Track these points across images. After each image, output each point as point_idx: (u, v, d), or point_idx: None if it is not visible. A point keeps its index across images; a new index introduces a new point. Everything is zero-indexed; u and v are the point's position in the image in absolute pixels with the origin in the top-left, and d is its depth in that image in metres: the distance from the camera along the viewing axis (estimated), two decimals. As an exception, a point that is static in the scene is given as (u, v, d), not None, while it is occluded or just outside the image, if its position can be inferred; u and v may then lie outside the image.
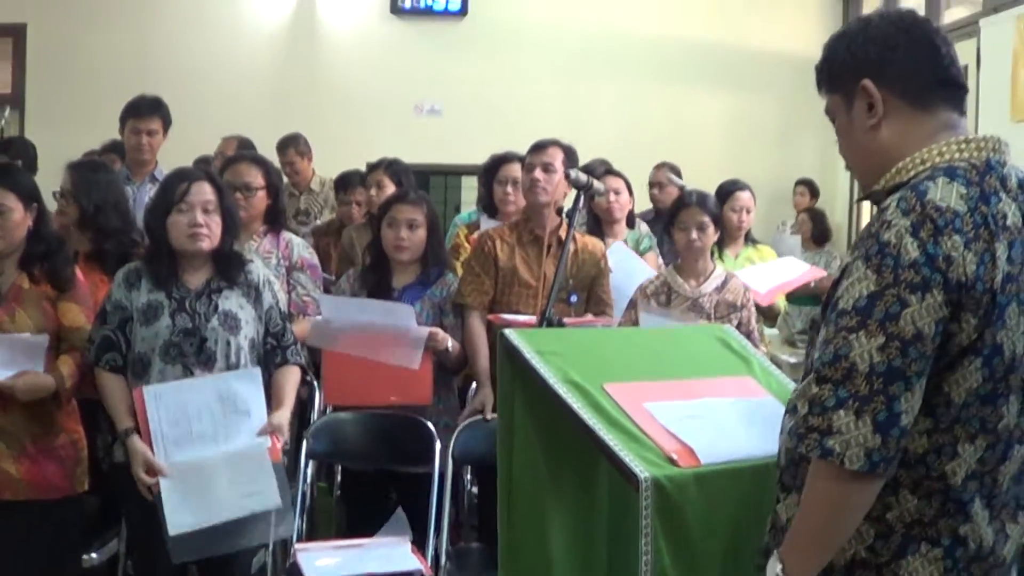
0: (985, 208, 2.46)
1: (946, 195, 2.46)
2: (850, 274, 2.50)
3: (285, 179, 9.62)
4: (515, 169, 6.83)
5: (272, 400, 4.86)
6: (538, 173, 5.71)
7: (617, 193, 7.16)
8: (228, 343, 4.74)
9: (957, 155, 2.58)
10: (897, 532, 2.54)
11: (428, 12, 13.02)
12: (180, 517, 4.57)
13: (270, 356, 4.90)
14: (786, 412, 2.68)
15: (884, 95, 2.66)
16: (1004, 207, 2.50)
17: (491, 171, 7.11)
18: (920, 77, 2.65)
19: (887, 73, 2.66)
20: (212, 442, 4.66)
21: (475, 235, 6.75)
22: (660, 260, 7.24)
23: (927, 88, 2.66)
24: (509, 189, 6.87)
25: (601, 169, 7.86)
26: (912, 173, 2.59)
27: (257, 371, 4.78)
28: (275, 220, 5.92)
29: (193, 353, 4.70)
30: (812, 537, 2.55)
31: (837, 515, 2.50)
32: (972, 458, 2.51)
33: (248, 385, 4.74)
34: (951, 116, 2.67)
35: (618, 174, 7.40)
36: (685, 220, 5.92)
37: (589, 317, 5.58)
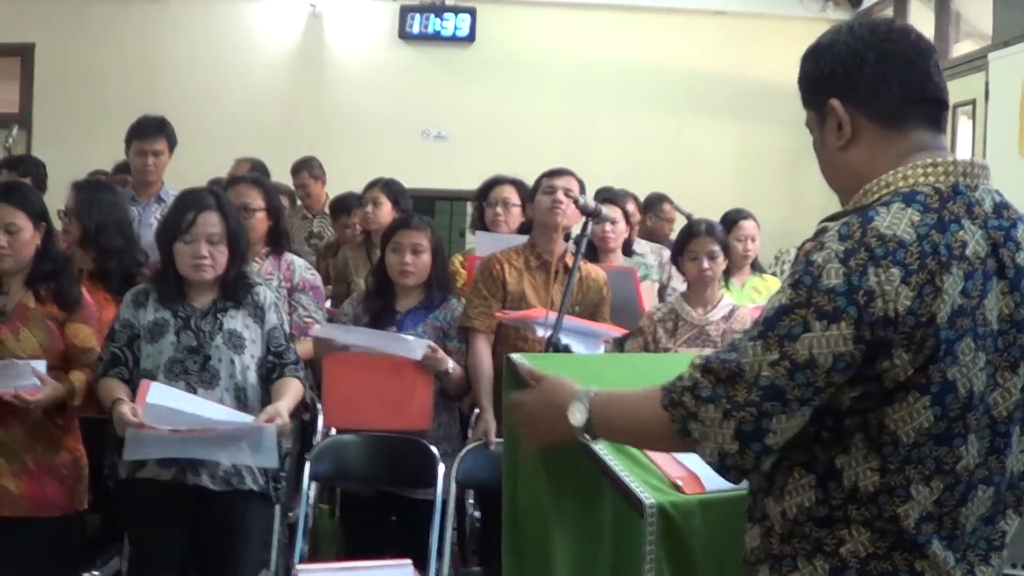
0: (938, 237, 2.35)
1: (895, 222, 2.36)
2: (778, 289, 2.47)
3: (299, 202, 9.68)
4: (505, 191, 6.93)
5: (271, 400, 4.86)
6: (560, 196, 5.74)
7: (614, 223, 7.16)
8: (232, 361, 4.76)
9: (922, 179, 2.46)
10: (852, 568, 2.47)
11: (436, 38, 13.06)
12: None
13: (270, 372, 4.91)
14: None
15: (852, 115, 2.56)
16: (964, 235, 2.38)
17: (483, 194, 7.19)
18: (890, 96, 2.54)
19: (855, 92, 2.56)
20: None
21: (466, 258, 6.82)
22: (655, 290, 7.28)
23: (898, 106, 2.53)
24: (499, 210, 6.95)
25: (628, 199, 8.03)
26: (876, 197, 2.49)
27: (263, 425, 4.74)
28: (277, 242, 5.92)
29: (197, 371, 4.72)
30: (623, 430, 2.74)
31: (652, 444, 2.71)
32: (927, 500, 2.42)
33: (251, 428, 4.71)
34: (925, 135, 2.55)
35: (616, 203, 7.41)
36: (696, 250, 5.94)
37: (523, 312, 5.58)
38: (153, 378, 4.70)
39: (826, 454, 2.46)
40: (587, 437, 2.76)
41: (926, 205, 2.40)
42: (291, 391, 4.90)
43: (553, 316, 5.23)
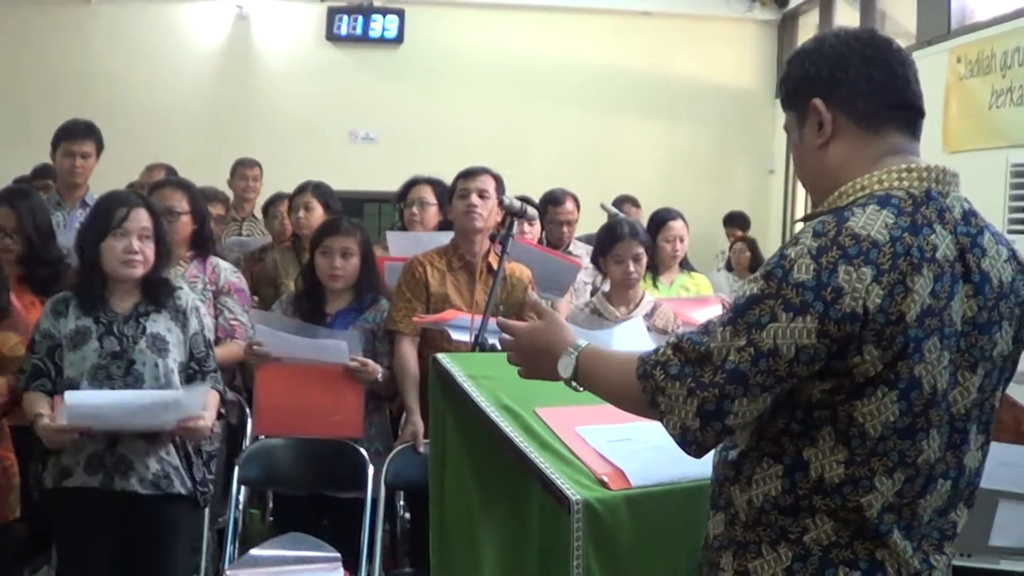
0: (911, 239, 2.43)
1: (870, 223, 2.44)
2: (750, 278, 2.54)
3: (231, 198, 9.61)
4: (423, 191, 6.96)
5: None
6: (474, 199, 5.71)
7: (530, 223, 7.17)
8: (156, 365, 4.72)
9: (897, 183, 2.54)
10: (815, 555, 2.54)
11: (364, 39, 13.05)
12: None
13: (191, 379, 4.87)
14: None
15: (833, 115, 2.64)
16: (935, 239, 2.46)
17: (402, 195, 7.24)
18: (871, 98, 2.62)
19: (837, 93, 2.63)
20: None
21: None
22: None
23: (877, 110, 2.62)
24: (415, 210, 6.99)
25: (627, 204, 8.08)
26: (851, 199, 2.56)
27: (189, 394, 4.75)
28: (201, 245, 5.88)
29: (121, 375, 4.68)
30: (602, 389, 2.81)
31: (625, 407, 2.73)
32: (889, 492, 2.51)
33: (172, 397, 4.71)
34: (901, 140, 2.63)
35: (532, 203, 7.43)
36: (621, 253, 5.98)
37: (438, 315, 5.57)
38: (77, 386, 4.64)
39: (794, 446, 2.54)
40: (574, 385, 2.85)
41: (900, 208, 2.48)
42: (211, 401, 4.88)
43: (467, 317, 5.28)
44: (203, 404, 4.73)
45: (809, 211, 2.76)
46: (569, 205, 8.21)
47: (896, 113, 2.64)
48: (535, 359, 2.97)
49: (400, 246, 6.57)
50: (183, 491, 4.80)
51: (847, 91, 2.63)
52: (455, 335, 5.32)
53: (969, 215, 2.59)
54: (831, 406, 2.48)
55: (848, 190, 2.59)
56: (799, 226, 2.59)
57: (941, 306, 2.45)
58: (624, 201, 9.81)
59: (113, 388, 4.67)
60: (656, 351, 2.58)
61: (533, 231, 7.30)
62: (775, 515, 2.57)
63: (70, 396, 4.55)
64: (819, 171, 2.72)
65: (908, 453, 2.50)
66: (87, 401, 4.55)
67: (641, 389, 2.56)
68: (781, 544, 2.57)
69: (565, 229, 8.03)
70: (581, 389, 2.86)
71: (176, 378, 4.77)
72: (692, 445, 2.53)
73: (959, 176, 2.64)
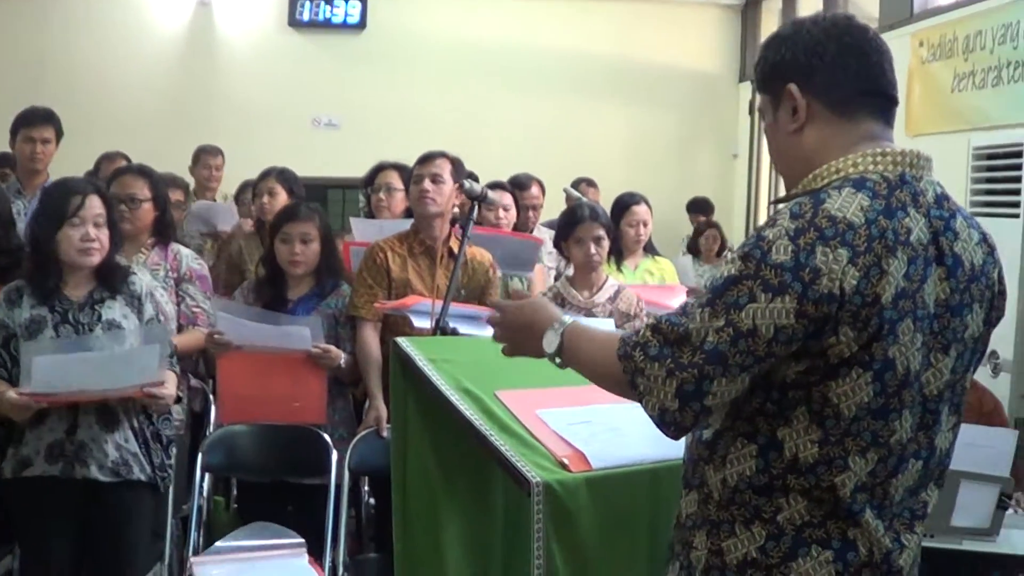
0: (885, 222, 2.45)
1: (845, 206, 2.46)
2: (727, 259, 2.56)
3: (192, 184, 9.57)
4: (390, 176, 6.94)
5: None
6: (427, 184, 5.69)
7: (505, 210, 7.19)
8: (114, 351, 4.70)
9: (871, 167, 2.57)
10: (788, 534, 2.56)
11: (326, 25, 13.01)
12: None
13: (155, 344, 4.84)
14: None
15: (808, 100, 2.66)
16: (909, 222, 2.49)
17: (369, 180, 7.23)
18: (846, 85, 2.65)
19: (813, 79, 2.65)
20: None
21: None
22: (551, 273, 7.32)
23: (852, 97, 2.64)
24: (383, 196, 6.98)
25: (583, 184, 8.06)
26: (825, 181, 2.59)
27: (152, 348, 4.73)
28: (163, 232, 5.84)
29: None
30: (585, 366, 2.79)
31: (606, 386, 2.71)
32: (863, 471, 2.53)
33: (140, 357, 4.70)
34: (875, 126, 2.65)
35: (506, 188, 7.43)
36: (582, 235, 5.97)
37: (399, 301, 5.55)
38: (31, 377, 4.62)
39: (768, 426, 2.56)
40: (557, 361, 2.84)
41: (875, 192, 2.51)
42: (170, 381, 4.84)
43: (428, 303, 5.28)
44: (159, 362, 4.68)
45: (777, 195, 2.77)
46: (535, 190, 8.22)
47: (871, 100, 2.67)
48: (520, 335, 2.97)
49: (364, 232, 6.56)
50: (143, 477, 4.78)
51: (823, 78, 2.65)
52: (416, 321, 5.31)
53: (942, 199, 2.62)
54: (806, 386, 2.50)
55: (823, 172, 2.61)
56: (771, 210, 2.60)
57: (914, 288, 2.48)
58: (581, 182, 9.83)
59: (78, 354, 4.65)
60: (636, 332, 2.58)
61: (508, 217, 7.28)
62: (749, 494, 2.59)
63: (37, 359, 4.54)
64: (792, 155, 2.74)
65: (881, 433, 2.52)
66: (53, 362, 4.54)
67: (621, 370, 2.57)
68: (755, 523, 2.59)
69: (531, 214, 8.03)
70: (562, 366, 2.86)
71: None
72: (671, 426, 2.54)
73: (932, 160, 2.66)
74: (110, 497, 4.73)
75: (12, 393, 4.53)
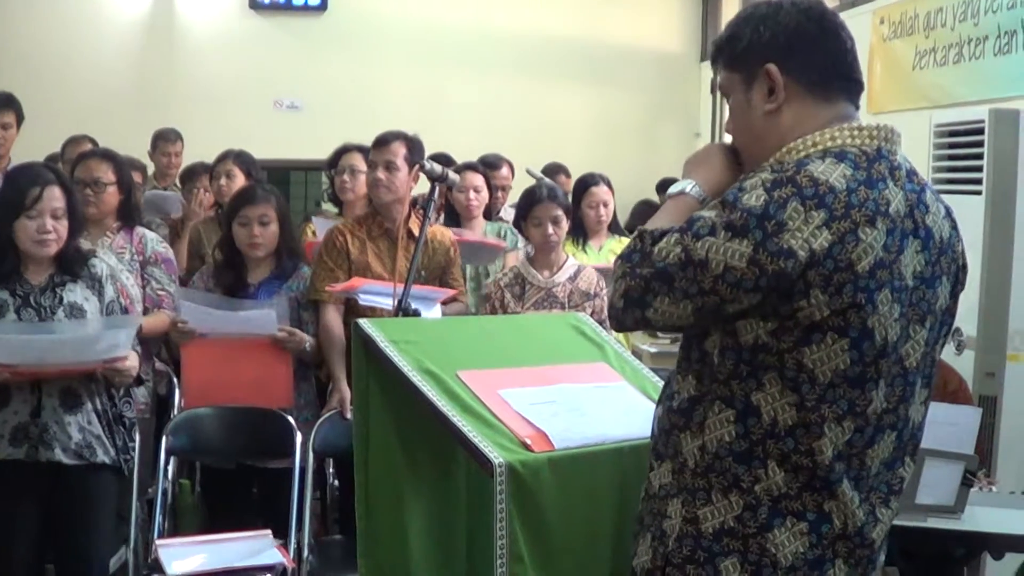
0: (867, 192, 2.49)
1: (829, 171, 2.50)
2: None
3: (151, 170, 9.54)
4: (354, 158, 6.93)
5: None
6: (380, 172, 5.68)
7: (477, 191, 7.19)
8: None
9: (849, 140, 2.61)
10: (764, 505, 2.58)
11: (287, 7, 12.92)
12: None
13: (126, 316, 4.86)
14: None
15: (787, 81, 2.68)
16: (888, 194, 2.53)
17: (333, 162, 7.22)
18: (824, 68, 2.68)
19: (793, 60, 2.68)
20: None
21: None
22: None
23: (829, 79, 2.69)
24: (346, 178, 6.97)
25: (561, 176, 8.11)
26: (803, 154, 2.62)
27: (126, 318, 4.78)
28: (128, 216, 5.83)
29: None
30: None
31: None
32: (840, 439, 2.56)
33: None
34: (847, 108, 2.71)
35: (478, 170, 7.42)
36: (539, 216, 5.98)
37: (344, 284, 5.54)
38: None
39: (742, 390, 2.59)
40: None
41: (856, 163, 2.56)
42: (131, 356, 4.82)
43: (374, 284, 5.34)
44: (129, 340, 4.71)
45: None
46: (504, 170, 8.25)
47: (845, 84, 2.72)
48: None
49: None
50: (106, 460, 4.78)
51: (802, 60, 2.69)
52: (363, 300, 5.31)
53: (911, 173, 2.67)
54: (777, 352, 2.53)
55: (798, 145, 2.65)
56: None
57: (892, 259, 2.51)
58: (556, 171, 9.83)
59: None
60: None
61: (480, 199, 7.27)
62: (729, 461, 2.62)
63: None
64: (765, 134, 2.75)
65: (857, 402, 2.56)
66: (16, 340, 4.55)
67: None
68: (732, 492, 2.62)
69: (500, 194, 8.04)
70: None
71: None
72: (613, 320, 2.73)
73: (901, 136, 2.71)
74: (74, 480, 4.72)
75: None
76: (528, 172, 8.72)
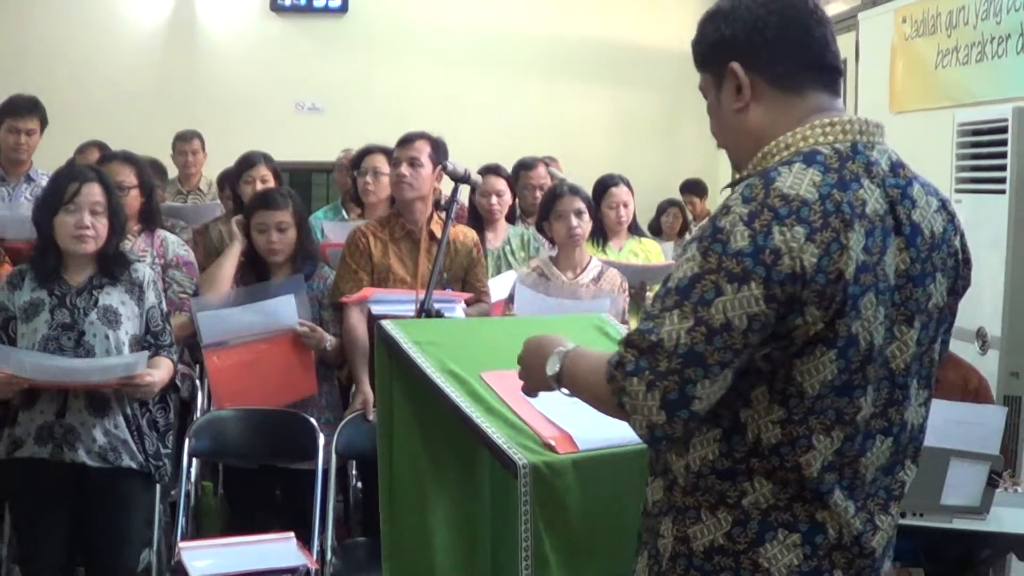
0: (840, 195, 2.40)
1: (797, 182, 2.41)
2: (685, 254, 2.47)
3: (175, 173, 9.56)
4: (376, 160, 6.90)
5: None
6: (404, 168, 5.68)
7: (499, 195, 7.19)
8: (107, 337, 4.73)
9: (821, 139, 2.52)
10: (754, 519, 2.52)
11: (308, 9, 12.97)
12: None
13: (145, 351, 4.85)
14: None
15: (752, 78, 2.60)
16: (864, 194, 2.45)
17: (356, 164, 7.20)
18: (789, 61, 2.59)
19: (756, 56, 2.59)
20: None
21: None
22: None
23: (797, 72, 2.59)
24: (369, 179, 6.94)
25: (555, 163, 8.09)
26: (776, 159, 2.54)
27: (144, 353, 4.76)
28: (149, 219, 5.86)
29: (71, 347, 4.69)
30: (583, 391, 2.70)
31: (605, 411, 2.59)
32: (828, 450, 2.48)
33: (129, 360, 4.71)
34: (823, 98, 2.61)
35: (501, 173, 7.42)
36: (562, 209, 5.96)
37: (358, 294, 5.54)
38: None
39: (729, 408, 2.50)
40: (561, 388, 2.80)
41: (826, 165, 2.46)
42: (163, 367, 4.88)
43: (383, 293, 5.36)
44: (143, 362, 4.71)
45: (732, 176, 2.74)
46: (541, 170, 8.21)
47: (816, 74, 2.61)
48: (532, 363, 2.91)
49: (338, 234, 6.56)
50: (133, 465, 4.80)
51: (765, 55, 2.60)
52: (376, 310, 5.31)
53: (897, 166, 2.59)
54: (768, 370, 2.46)
55: (772, 149, 2.57)
56: (727, 193, 2.56)
57: (874, 261, 2.44)
58: (552, 161, 9.80)
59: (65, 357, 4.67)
60: (615, 352, 2.50)
61: (502, 203, 7.27)
62: (712, 479, 2.55)
63: (22, 353, 4.62)
64: (739, 133, 2.69)
65: (846, 411, 2.48)
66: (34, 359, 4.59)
67: (610, 392, 2.48)
68: (720, 509, 2.55)
69: (538, 194, 8.01)
70: (569, 394, 2.80)
71: (127, 351, 4.77)
72: (662, 440, 2.46)
73: (883, 127, 2.63)
74: (100, 483, 4.75)
75: None
76: (549, 172, 8.72)
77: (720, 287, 2.36)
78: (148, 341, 4.89)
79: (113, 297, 4.80)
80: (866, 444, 2.55)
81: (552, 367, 2.77)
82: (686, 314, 2.37)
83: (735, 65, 2.62)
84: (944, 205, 2.67)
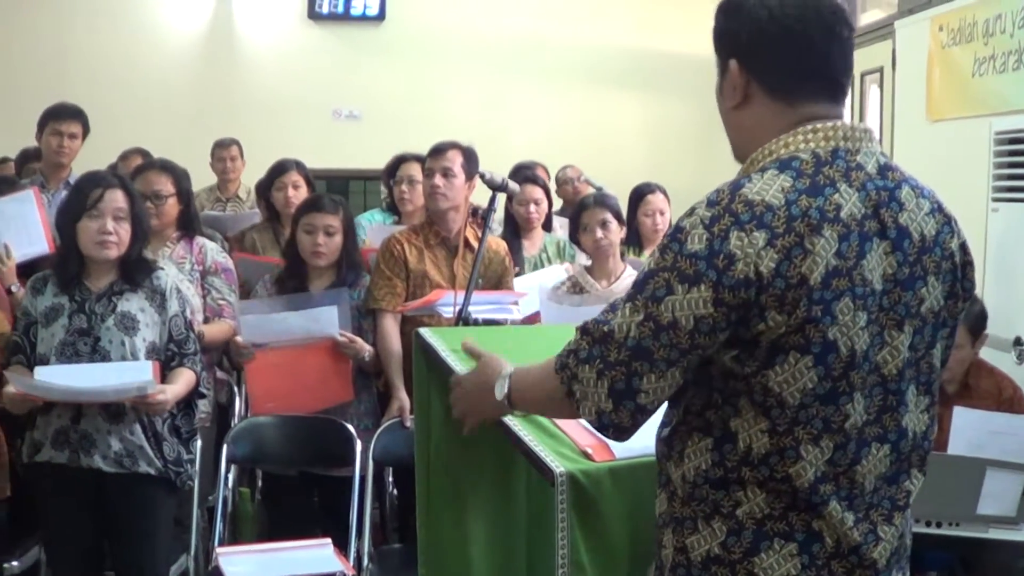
0: (808, 201, 2.41)
1: (765, 188, 2.42)
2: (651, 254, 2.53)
3: (215, 179, 9.61)
4: (411, 168, 6.94)
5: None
6: (437, 179, 5.71)
7: (537, 203, 7.22)
8: (123, 343, 4.74)
9: (802, 145, 2.51)
10: (748, 529, 2.51)
11: (346, 17, 13.00)
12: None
13: (169, 360, 4.88)
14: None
15: (747, 79, 2.60)
16: (838, 199, 2.44)
17: (391, 172, 7.23)
18: (784, 71, 2.58)
19: (753, 59, 2.60)
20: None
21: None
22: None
23: (791, 82, 2.58)
24: (404, 188, 7.00)
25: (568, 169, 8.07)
26: (760, 166, 2.55)
27: (148, 363, 4.75)
28: (188, 226, 5.89)
29: (87, 352, 4.71)
30: (532, 400, 2.81)
31: (554, 411, 2.79)
32: (819, 460, 2.47)
33: (135, 371, 4.71)
34: (817, 108, 2.58)
35: (537, 182, 7.44)
36: (587, 221, 6.00)
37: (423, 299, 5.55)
38: (46, 362, 4.71)
39: (720, 418, 2.52)
40: (510, 410, 2.88)
41: (800, 171, 2.47)
42: (183, 379, 4.86)
43: (451, 295, 5.31)
44: (153, 382, 4.69)
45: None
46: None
47: (812, 84, 2.59)
48: (475, 397, 2.98)
49: (378, 238, 6.59)
50: (151, 471, 4.80)
51: (762, 60, 2.60)
52: (447, 313, 5.32)
53: (885, 169, 2.56)
54: (743, 377, 2.47)
55: (758, 156, 2.58)
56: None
57: (849, 266, 2.42)
58: (566, 167, 9.82)
59: (80, 363, 4.71)
60: (569, 341, 2.57)
61: (540, 211, 7.30)
62: (707, 489, 2.55)
63: (39, 371, 4.65)
64: (732, 128, 2.73)
65: (833, 419, 2.47)
66: (47, 380, 4.62)
67: (559, 381, 2.56)
68: (715, 519, 2.55)
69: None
70: (515, 416, 2.94)
71: (143, 357, 4.78)
72: (609, 428, 2.54)
73: (872, 131, 2.61)
74: (118, 488, 4.78)
75: (11, 387, 4.62)
76: (585, 181, 8.73)
77: (671, 286, 2.41)
78: (171, 350, 4.89)
79: (132, 304, 4.81)
80: (861, 452, 2.52)
81: (500, 391, 2.83)
82: (637, 308, 2.44)
83: (733, 63, 2.63)
84: (939, 208, 2.64)
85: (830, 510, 2.49)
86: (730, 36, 2.65)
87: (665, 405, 2.63)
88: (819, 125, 2.54)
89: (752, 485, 2.51)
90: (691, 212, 2.46)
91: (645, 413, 2.51)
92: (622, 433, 2.55)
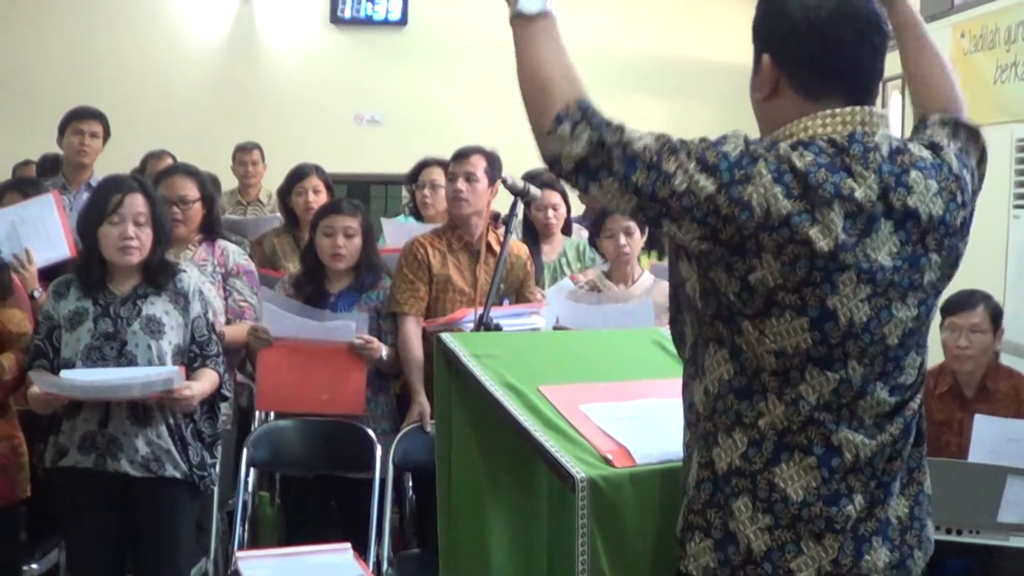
0: (825, 175, 2.49)
1: (794, 153, 2.51)
2: None
3: (237, 183, 9.63)
4: (434, 173, 6.96)
5: None
6: (460, 184, 5.72)
7: (555, 208, 7.20)
8: (149, 347, 4.74)
9: (820, 129, 2.59)
10: (769, 439, 2.58)
11: (368, 22, 13.02)
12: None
13: (192, 362, 4.88)
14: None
15: (778, 75, 2.67)
16: (852, 182, 2.52)
17: (413, 177, 7.25)
18: (812, 68, 2.65)
19: (784, 56, 2.66)
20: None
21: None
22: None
23: (817, 80, 2.65)
24: (427, 192, 7.02)
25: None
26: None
27: (175, 368, 4.74)
28: (210, 229, 5.91)
29: (114, 356, 4.72)
30: (530, 65, 3.01)
31: (523, 84, 2.94)
32: (824, 387, 2.56)
33: (164, 376, 4.71)
34: (838, 104, 2.64)
35: (555, 187, 7.43)
36: (611, 228, 6.01)
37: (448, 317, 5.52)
38: (72, 366, 4.71)
39: (728, 331, 2.61)
40: (518, 19, 3.01)
41: (821, 150, 2.54)
42: (207, 378, 4.87)
43: (473, 313, 5.26)
44: (179, 378, 4.70)
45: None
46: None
47: (839, 84, 2.65)
48: None
49: (397, 237, 6.59)
50: (177, 475, 4.81)
51: (792, 58, 2.66)
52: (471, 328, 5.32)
53: (895, 154, 2.62)
54: (745, 316, 2.56)
55: (779, 135, 2.64)
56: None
57: (854, 242, 2.50)
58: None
59: (107, 367, 4.71)
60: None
61: (559, 216, 7.29)
62: (731, 399, 2.63)
63: (64, 373, 4.66)
64: (762, 120, 2.78)
65: (828, 378, 2.56)
66: (73, 380, 4.63)
67: (564, 103, 2.72)
68: (735, 430, 2.63)
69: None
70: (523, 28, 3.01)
71: (169, 360, 4.78)
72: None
73: (887, 116, 2.67)
74: (145, 492, 4.78)
75: (35, 388, 4.63)
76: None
77: (690, 155, 2.52)
78: (194, 351, 4.90)
79: (157, 307, 4.82)
80: (866, 388, 2.61)
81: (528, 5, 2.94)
82: (659, 141, 2.56)
83: (766, 58, 2.70)
84: (945, 188, 2.67)
85: (842, 431, 2.58)
86: (767, 31, 2.73)
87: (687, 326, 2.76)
88: (838, 110, 2.61)
89: (772, 395, 2.58)
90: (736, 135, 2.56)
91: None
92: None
